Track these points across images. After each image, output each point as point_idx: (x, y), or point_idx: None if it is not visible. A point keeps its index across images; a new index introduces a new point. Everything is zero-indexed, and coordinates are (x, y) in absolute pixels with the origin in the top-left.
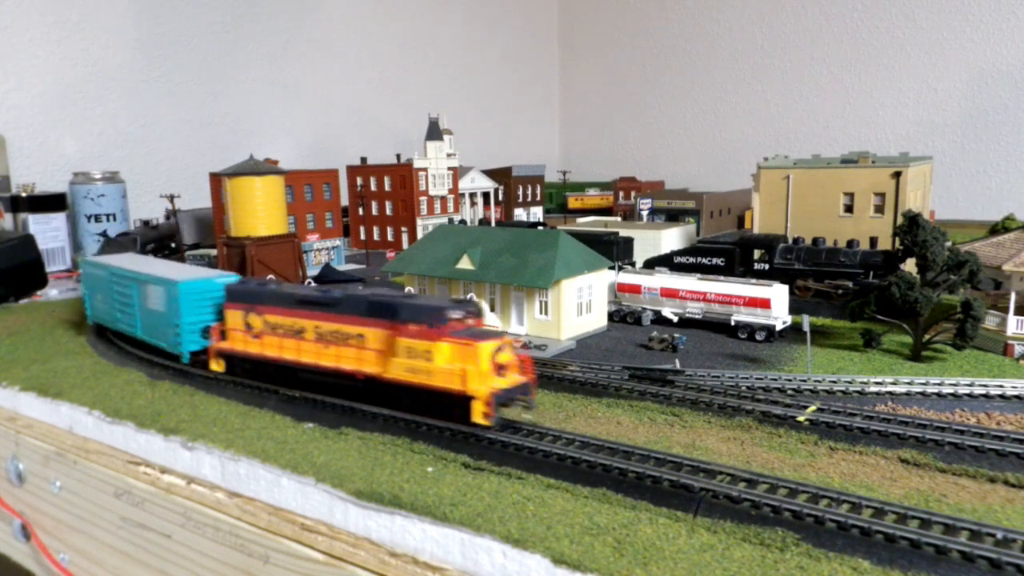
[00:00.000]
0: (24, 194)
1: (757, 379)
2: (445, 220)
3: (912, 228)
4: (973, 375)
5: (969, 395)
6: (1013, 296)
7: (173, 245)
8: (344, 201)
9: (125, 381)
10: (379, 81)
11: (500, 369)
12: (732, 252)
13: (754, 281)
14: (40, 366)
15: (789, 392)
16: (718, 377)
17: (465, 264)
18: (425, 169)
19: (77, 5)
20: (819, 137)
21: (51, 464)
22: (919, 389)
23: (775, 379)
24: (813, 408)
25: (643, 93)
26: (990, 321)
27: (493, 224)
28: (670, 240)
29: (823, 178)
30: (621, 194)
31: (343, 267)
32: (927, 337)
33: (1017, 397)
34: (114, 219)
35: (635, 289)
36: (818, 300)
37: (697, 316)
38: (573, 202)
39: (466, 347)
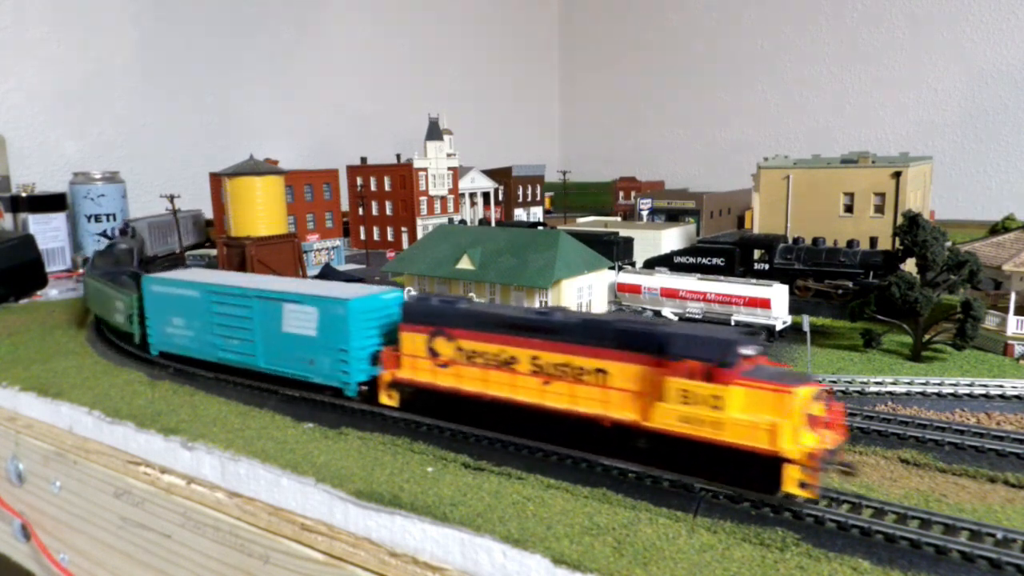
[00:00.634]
0: (24, 194)
1: None
2: (445, 220)
3: (912, 228)
4: (973, 375)
5: (969, 395)
6: (1013, 296)
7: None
8: (345, 206)
9: (125, 381)
10: (379, 81)
11: (813, 422)
12: (732, 252)
13: (754, 281)
14: (40, 366)
15: None
16: None
17: (465, 264)
18: (425, 169)
19: (77, 5)
20: (819, 137)
21: (51, 464)
22: (919, 389)
23: None
24: None
25: (643, 93)
26: (990, 321)
27: (493, 224)
28: (670, 240)
29: (823, 178)
30: (621, 194)
31: (343, 267)
32: (927, 337)
33: (1017, 397)
34: (114, 219)
35: (635, 289)
36: (818, 300)
37: (697, 316)
38: None
39: (776, 394)
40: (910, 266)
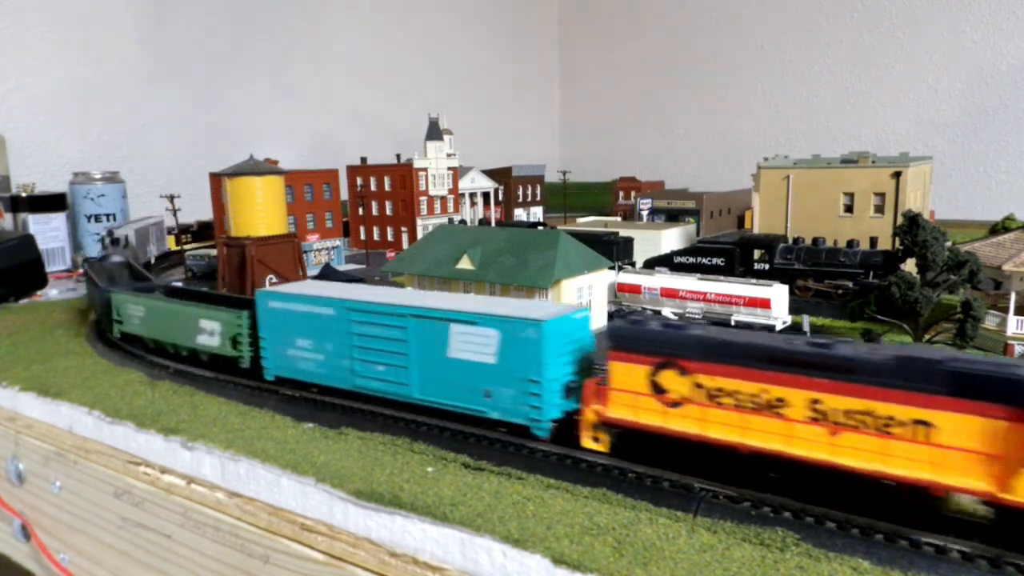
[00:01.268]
0: (24, 194)
1: None
2: (445, 220)
3: (912, 228)
4: None
5: None
6: (1013, 296)
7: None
8: (346, 208)
9: (125, 381)
10: (379, 81)
11: None
12: (732, 252)
13: (754, 281)
14: (40, 366)
15: None
16: None
17: (465, 264)
18: (425, 169)
19: (77, 6)
20: (819, 137)
21: (51, 464)
22: None
23: None
24: None
25: (643, 93)
26: (990, 321)
27: (493, 224)
28: (670, 240)
29: (823, 178)
30: (621, 194)
31: (343, 267)
32: (927, 337)
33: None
34: (114, 219)
35: (635, 289)
36: (818, 300)
37: (697, 316)
38: None
39: None
40: (910, 266)
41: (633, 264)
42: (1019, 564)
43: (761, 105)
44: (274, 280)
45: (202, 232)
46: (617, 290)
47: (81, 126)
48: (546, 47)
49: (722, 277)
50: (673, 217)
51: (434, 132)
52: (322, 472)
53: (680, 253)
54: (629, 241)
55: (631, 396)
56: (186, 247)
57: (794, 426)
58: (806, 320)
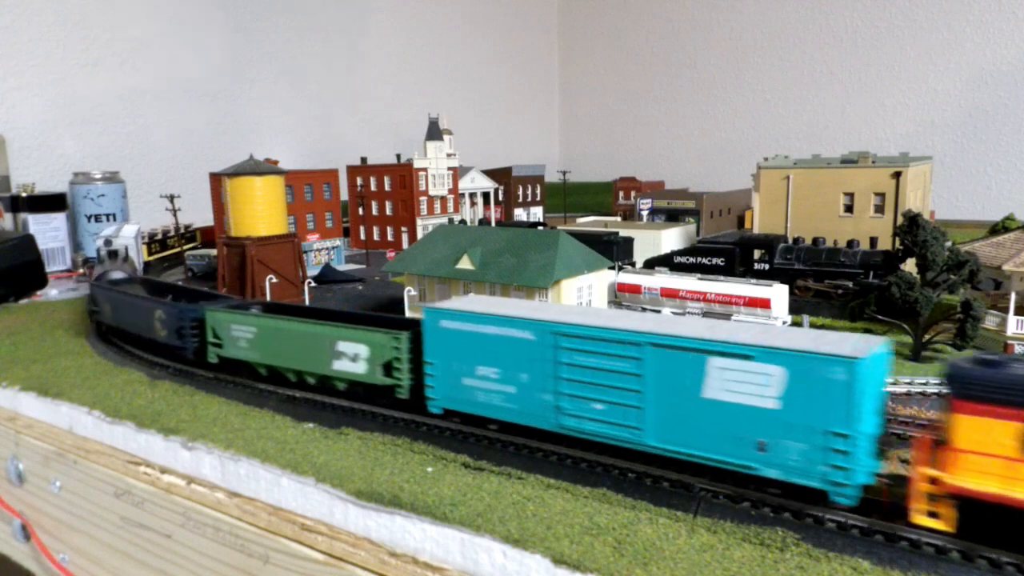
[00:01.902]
0: (24, 194)
1: None
2: (445, 220)
3: (912, 228)
4: None
5: None
6: (1013, 296)
7: None
8: (345, 209)
9: (125, 381)
10: (379, 81)
11: None
12: (732, 252)
13: (754, 281)
14: (40, 366)
15: None
16: None
17: (465, 264)
18: (425, 169)
19: (77, 5)
20: (819, 137)
21: (51, 464)
22: (919, 389)
23: None
24: None
25: (643, 93)
26: (990, 321)
27: (493, 224)
28: (670, 240)
29: (823, 178)
30: (621, 194)
31: (343, 267)
32: (927, 337)
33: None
34: (114, 219)
35: (635, 289)
36: (818, 300)
37: (697, 316)
38: None
39: None
40: (910, 266)
41: (633, 264)
42: (1019, 564)
43: (761, 105)
44: (274, 280)
45: (166, 243)
46: (617, 290)
47: (81, 126)
48: (546, 47)
49: (722, 277)
50: (673, 217)
51: (434, 132)
52: (322, 472)
53: (680, 253)
54: (629, 241)
55: (993, 461)
56: (153, 257)
57: None
58: (806, 320)
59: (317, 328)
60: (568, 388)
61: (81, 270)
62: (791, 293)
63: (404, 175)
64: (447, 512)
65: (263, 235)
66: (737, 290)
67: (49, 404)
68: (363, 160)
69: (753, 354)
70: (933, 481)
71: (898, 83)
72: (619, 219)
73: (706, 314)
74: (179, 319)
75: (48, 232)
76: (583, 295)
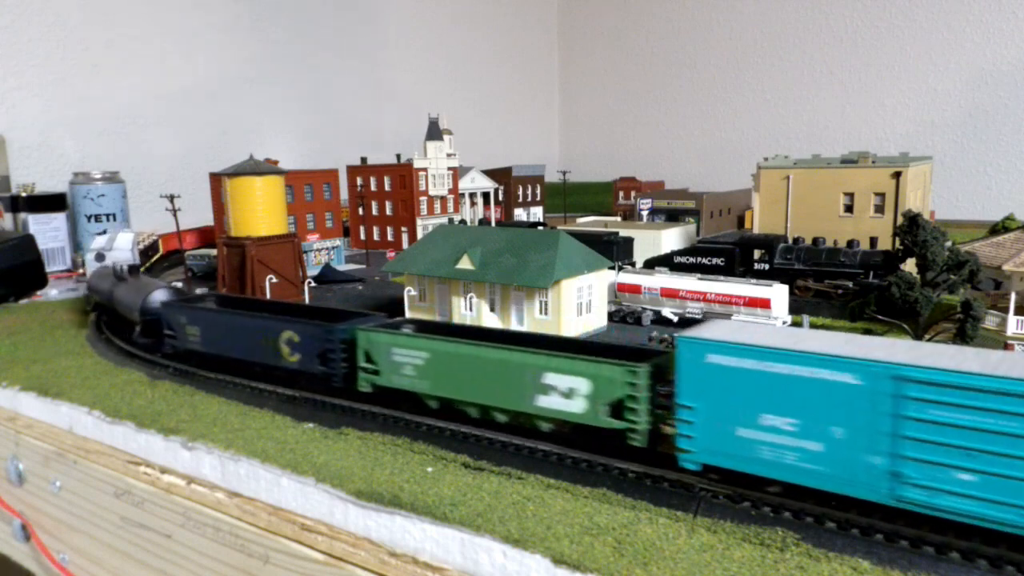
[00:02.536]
0: (24, 194)
1: None
2: (445, 220)
3: (912, 228)
4: None
5: None
6: (1013, 296)
7: None
8: (345, 217)
9: (125, 381)
10: (379, 81)
11: None
12: (732, 252)
13: (754, 281)
14: (40, 366)
15: None
16: None
17: (465, 264)
18: (425, 169)
19: (77, 5)
20: (819, 137)
21: (51, 464)
22: None
23: None
24: None
25: (643, 93)
26: (990, 321)
27: (493, 224)
28: (670, 240)
29: (823, 178)
30: (621, 194)
31: (343, 267)
32: (927, 337)
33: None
34: (114, 219)
35: (635, 289)
36: (818, 300)
37: (697, 316)
38: None
39: None
40: (910, 266)
41: (633, 264)
42: (1019, 564)
43: (761, 105)
44: (274, 280)
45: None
46: (617, 290)
47: (81, 126)
48: (546, 47)
49: (722, 277)
50: (673, 217)
51: (434, 132)
52: (322, 472)
53: (680, 253)
54: (629, 241)
55: None
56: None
57: None
58: (806, 320)
59: (517, 356)
60: (915, 450)
61: (81, 270)
62: (791, 293)
63: (404, 175)
64: (447, 512)
65: (263, 235)
66: (737, 290)
67: (49, 404)
68: (363, 160)
69: None
70: None
71: (898, 83)
72: (619, 219)
73: (706, 314)
74: (325, 341)
75: (48, 232)
76: (583, 295)
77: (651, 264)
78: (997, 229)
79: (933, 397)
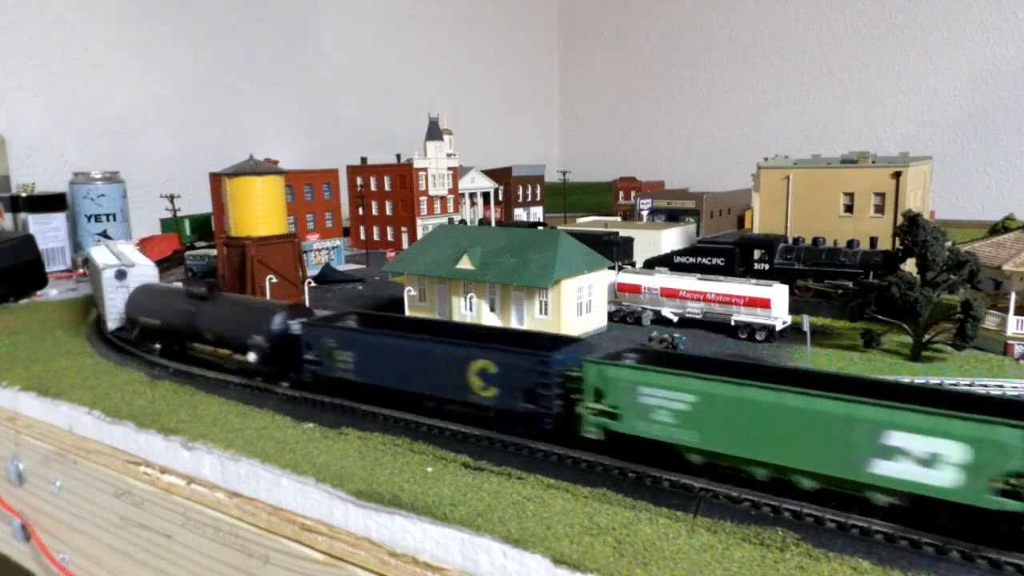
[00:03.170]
0: (24, 194)
1: None
2: (445, 220)
3: (912, 228)
4: (973, 375)
5: None
6: (1013, 296)
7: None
8: (345, 214)
9: (125, 381)
10: (379, 81)
11: None
12: (732, 252)
13: (754, 281)
14: (40, 366)
15: None
16: None
17: (465, 264)
18: (425, 169)
19: (77, 5)
20: (819, 137)
21: (51, 464)
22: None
23: None
24: None
25: (643, 93)
26: (990, 321)
27: (493, 224)
28: (670, 240)
29: (823, 178)
30: (621, 194)
31: (343, 267)
32: (927, 337)
33: (1017, 397)
34: (114, 219)
35: (635, 289)
36: (818, 300)
37: (697, 316)
38: None
39: None
40: (910, 266)
41: (633, 264)
42: (1019, 564)
43: (761, 105)
44: (274, 280)
45: None
46: (617, 290)
47: (81, 126)
48: (546, 47)
49: (722, 277)
50: (673, 217)
51: (434, 132)
52: (322, 472)
53: (680, 253)
54: (629, 241)
55: None
56: None
57: None
58: (806, 320)
59: (841, 407)
60: None
61: (81, 270)
62: (791, 293)
63: (404, 175)
64: (447, 512)
65: (263, 235)
66: (737, 290)
67: (49, 404)
68: (363, 160)
69: None
70: None
71: (898, 83)
72: (619, 219)
73: (706, 314)
74: (536, 374)
75: (48, 232)
76: (583, 295)
77: (651, 264)
78: (997, 229)
79: None
